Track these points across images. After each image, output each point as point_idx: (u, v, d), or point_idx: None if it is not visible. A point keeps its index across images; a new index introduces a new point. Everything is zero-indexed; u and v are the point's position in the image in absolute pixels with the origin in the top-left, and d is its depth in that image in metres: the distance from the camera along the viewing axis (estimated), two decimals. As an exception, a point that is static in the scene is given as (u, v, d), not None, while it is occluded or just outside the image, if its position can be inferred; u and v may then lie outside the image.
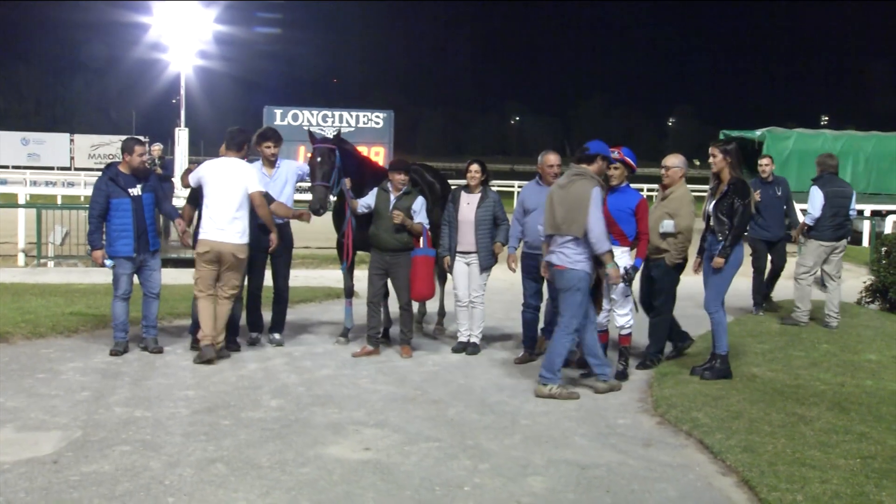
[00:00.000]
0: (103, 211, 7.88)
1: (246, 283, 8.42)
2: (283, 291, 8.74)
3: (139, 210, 7.92)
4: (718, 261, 7.25)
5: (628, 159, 7.58)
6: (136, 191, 7.94)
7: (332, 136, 8.56)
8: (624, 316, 7.55)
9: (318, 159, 8.24)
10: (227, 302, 7.92)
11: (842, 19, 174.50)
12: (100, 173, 8.17)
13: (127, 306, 8.05)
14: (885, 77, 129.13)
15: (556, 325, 7.06)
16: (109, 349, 8.02)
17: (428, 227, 8.37)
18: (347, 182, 8.38)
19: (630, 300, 7.58)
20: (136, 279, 8.16)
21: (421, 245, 8.29)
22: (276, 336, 8.71)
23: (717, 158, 7.41)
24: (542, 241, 7.33)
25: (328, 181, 8.20)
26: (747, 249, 9.12)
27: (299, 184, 8.94)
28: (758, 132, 24.61)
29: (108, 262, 7.90)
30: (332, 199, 8.60)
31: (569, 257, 6.87)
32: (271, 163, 8.62)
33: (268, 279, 8.73)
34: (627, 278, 7.41)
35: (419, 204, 8.29)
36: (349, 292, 8.95)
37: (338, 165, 8.28)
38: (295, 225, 8.84)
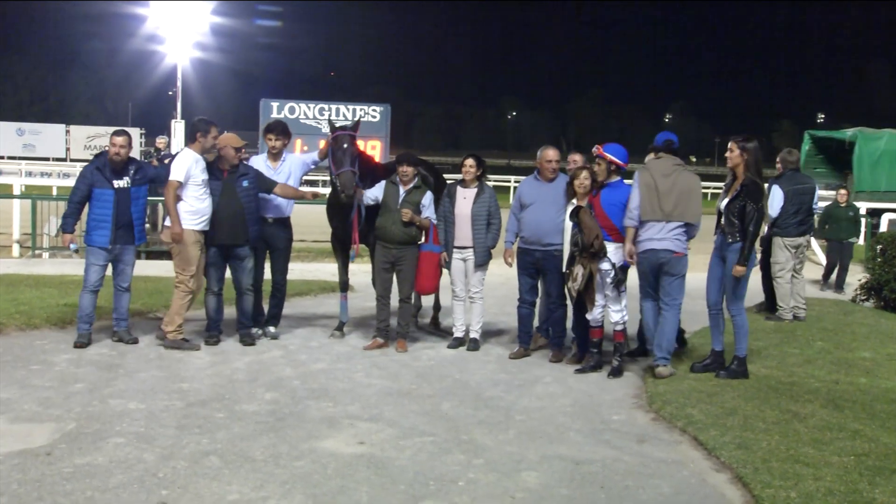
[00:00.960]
0: (83, 198, 7.88)
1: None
2: (280, 285, 8.72)
3: (122, 202, 7.87)
4: (739, 269, 7.22)
5: (608, 155, 7.61)
6: (121, 183, 7.88)
7: (350, 125, 8.56)
8: (618, 312, 7.55)
9: (345, 146, 8.22)
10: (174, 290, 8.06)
11: (840, 17, 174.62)
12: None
13: (94, 299, 8.02)
14: (883, 76, 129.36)
15: (666, 307, 7.35)
16: (74, 342, 7.95)
17: (436, 222, 8.37)
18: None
19: (624, 296, 7.59)
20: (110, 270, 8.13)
21: (428, 240, 8.31)
22: (272, 329, 8.70)
23: (733, 154, 7.32)
24: (630, 225, 7.38)
25: (354, 166, 8.19)
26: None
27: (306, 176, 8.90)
28: (849, 132, 23.96)
29: (72, 245, 8.01)
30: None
31: (683, 244, 7.28)
32: (275, 156, 8.58)
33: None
34: (615, 279, 7.42)
35: (428, 199, 8.30)
36: (344, 286, 8.95)
37: (357, 153, 8.30)
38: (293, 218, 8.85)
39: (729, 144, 7.43)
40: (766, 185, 10.77)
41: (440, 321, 9.62)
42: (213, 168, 8.09)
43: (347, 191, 8.12)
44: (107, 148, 8.01)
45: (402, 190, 8.26)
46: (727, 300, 7.42)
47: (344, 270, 8.93)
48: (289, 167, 8.61)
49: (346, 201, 8.30)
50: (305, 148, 8.76)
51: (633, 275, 7.70)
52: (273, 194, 8.33)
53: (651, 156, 7.61)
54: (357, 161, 8.28)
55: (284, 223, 8.65)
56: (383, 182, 8.40)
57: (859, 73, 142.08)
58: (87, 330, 8.03)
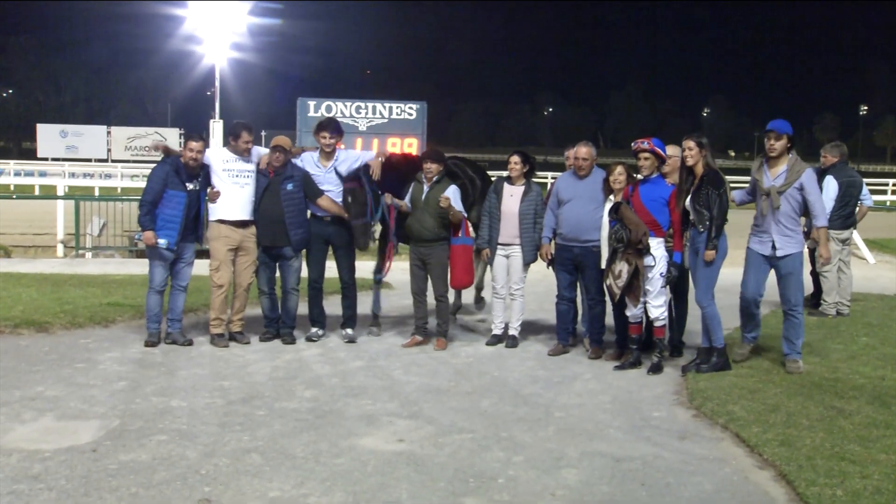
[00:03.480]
0: (157, 198, 7.86)
1: (304, 275, 8.50)
2: (349, 284, 8.57)
3: (192, 205, 7.95)
4: (710, 253, 7.20)
5: (658, 149, 7.50)
6: (193, 185, 7.96)
7: (354, 175, 8.27)
8: (658, 308, 7.49)
9: (349, 199, 8.16)
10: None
11: (879, 11, 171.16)
12: (136, 164, 8.23)
13: (161, 299, 8.11)
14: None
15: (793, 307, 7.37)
16: (144, 340, 8.09)
17: (465, 215, 8.36)
18: (388, 198, 8.28)
19: (665, 292, 7.52)
20: None
21: (459, 234, 8.29)
22: (349, 331, 8.57)
23: (693, 151, 7.26)
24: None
25: (366, 217, 8.15)
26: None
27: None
28: None
29: (161, 241, 7.85)
30: (377, 227, 8.52)
31: None
32: (328, 154, 8.35)
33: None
34: (670, 277, 7.36)
35: (451, 192, 8.23)
36: (377, 281, 8.96)
37: (369, 197, 8.18)
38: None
39: (685, 143, 7.32)
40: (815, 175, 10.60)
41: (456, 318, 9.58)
42: (259, 168, 8.18)
43: (359, 244, 8.24)
44: (149, 150, 8.10)
45: (426, 186, 8.25)
46: (696, 291, 7.40)
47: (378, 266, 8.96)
48: (340, 166, 8.32)
49: (367, 248, 8.36)
50: (342, 146, 8.62)
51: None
52: (315, 204, 8.23)
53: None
54: (367, 207, 8.16)
55: (344, 220, 8.37)
56: (413, 184, 8.38)
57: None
58: (157, 329, 8.13)
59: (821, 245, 7.39)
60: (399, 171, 8.61)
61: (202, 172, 8.07)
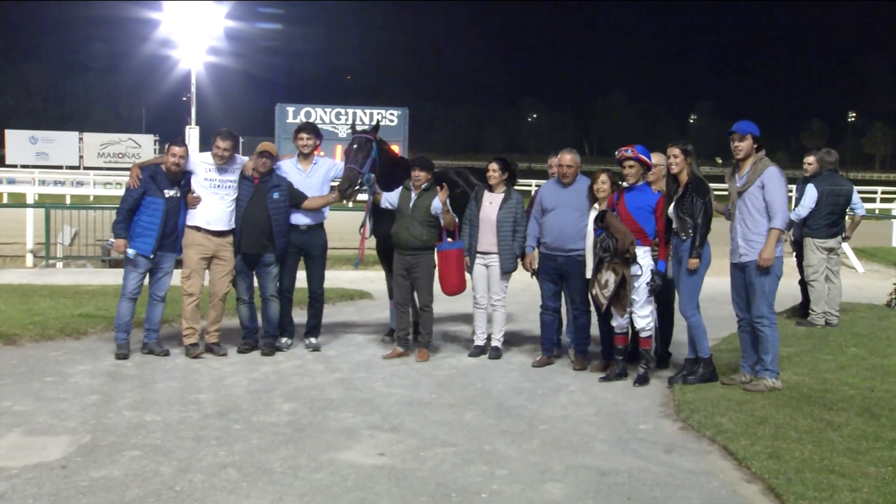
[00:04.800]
0: (134, 206, 7.77)
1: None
2: (318, 294, 8.55)
3: (171, 212, 7.83)
4: (693, 262, 7.12)
5: (643, 157, 7.43)
6: (172, 192, 7.84)
7: (369, 128, 8.52)
8: (644, 318, 7.40)
9: (355, 146, 8.22)
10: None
11: (870, 15, 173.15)
12: (109, 171, 8.09)
13: (133, 307, 7.95)
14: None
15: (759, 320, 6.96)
16: (114, 353, 7.89)
17: (457, 219, 8.31)
18: (372, 177, 8.29)
19: (651, 302, 7.43)
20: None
21: (450, 238, 8.22)
22: (313, 340, 8.53)
23: (678, 159, 7.23)
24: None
25: (361, 167, 8.14)
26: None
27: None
28: None
29: (130, 251, 7.74)
30: (365, 188, 8.40)
31: None
32: (306, 157, 8.42)
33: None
34: (654, 286, 7.27)
35: (437, 202, 8.13)
36: (392, 293, 8.85)
37: (373, 156, 8.25)
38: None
39: (670, 151, 7.27)
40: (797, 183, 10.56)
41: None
42: (244, 174, 8.10)
43: (342, 185, 8.13)
44: (123, 157, 7.94)
45: (413, 194, 8.16)
46: (679, 301, 7.34)
47: (390, 278, 8.85)
48: (322, 171, 8.41)
49: (343, 197, 8.26)
50: (322, 153, 8.64)
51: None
52: (302, 209, 8.20)
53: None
54: (367, 163, 8.19)
55: (318, 229, 8.44)
56: (400, 188, 8.30)
57: (891, 71, 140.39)
58: (125, 340, 7.95)
59: (765, 246, 6.84)
60: (394, 170, 8.60)
61: (183, 179, 7.95)
